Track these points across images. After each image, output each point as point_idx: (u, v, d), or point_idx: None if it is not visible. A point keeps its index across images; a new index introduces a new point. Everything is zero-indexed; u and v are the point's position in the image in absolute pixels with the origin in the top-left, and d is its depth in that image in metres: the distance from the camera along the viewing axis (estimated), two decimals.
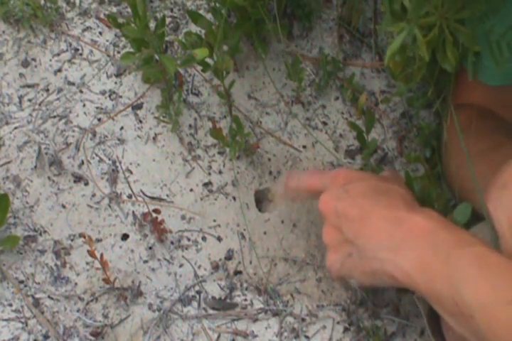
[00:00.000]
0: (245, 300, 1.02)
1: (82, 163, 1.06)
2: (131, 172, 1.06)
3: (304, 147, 1.09)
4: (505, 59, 0.87)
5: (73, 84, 1.09)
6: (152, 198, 1.05)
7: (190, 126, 1.08)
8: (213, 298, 1.02)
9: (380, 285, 0.87)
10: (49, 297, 1.00)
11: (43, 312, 0.99)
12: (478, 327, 0.72)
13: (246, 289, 1.03)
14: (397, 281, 0.81)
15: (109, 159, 1.06)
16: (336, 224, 0.89)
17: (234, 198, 1.06)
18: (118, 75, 1.09)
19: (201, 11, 1.11)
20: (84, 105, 1.08)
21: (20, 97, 1.08)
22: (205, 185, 1.06)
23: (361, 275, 0.87)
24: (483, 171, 0.85)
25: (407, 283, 0.79)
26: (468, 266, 0.74)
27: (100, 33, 1.11)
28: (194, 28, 1.08)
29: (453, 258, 0.76)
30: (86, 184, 1.05)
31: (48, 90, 1.08)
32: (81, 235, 1.02)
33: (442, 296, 0.75)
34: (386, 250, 0.82)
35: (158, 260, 1.03)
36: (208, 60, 1.00)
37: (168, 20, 1.11)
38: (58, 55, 1.10)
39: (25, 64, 1.09)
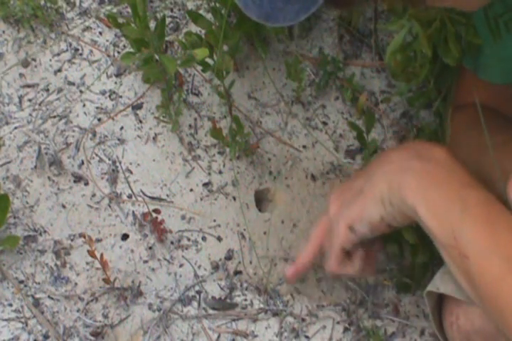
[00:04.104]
0: (245, 300, 1.02)
1: (82, 163, 1.05)
2: (131, 172, 1.05)
3: (304, 147, 1.09)
4: (501, 36, 0.87)
5: (73, 84, 1.09)
6: (152, 198, 1.05)
7: (190, 126, 1.08)
8: (213, 298, 1.02)
9: (378, 229, 0.84)
10: (49, 297, 1.00)
11: (43, 312, 0.99)
12: (470, 269, 0.72)
13: (246, 289, 1.03)
14: (401, 203, 0.79)
15: (109, 159, 1.06)
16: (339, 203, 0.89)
17: (234, 198, 1.06)
18: (118, 75, 1.09)
19: (201, 11, 1.11)
20: (84, 105, 1.08)
21: (20, 97, 1.08)
22: (205, 185, 1.06)
23: (363, 212, 0.85)
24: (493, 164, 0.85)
25: (411, 203, 0.77)
26: (476, 206, 0.73)
27: (100, 33, 1.11)
28: (194, 28, 1.08)
29: (463, 193, 0.74)
30: (86, 184, 1.05)
31: (48, 90, 1.08)
32: (81, 235, 1.02)
33: (443, 223, 0.74)
34: (393, 172, 0.81)
35: (158, 260, 1.03)
36: (208, 60, 1.00)
37: (168, 20, 1.11)
38: (58, 55, 1.10)
39: (25, 64, 1.09)
